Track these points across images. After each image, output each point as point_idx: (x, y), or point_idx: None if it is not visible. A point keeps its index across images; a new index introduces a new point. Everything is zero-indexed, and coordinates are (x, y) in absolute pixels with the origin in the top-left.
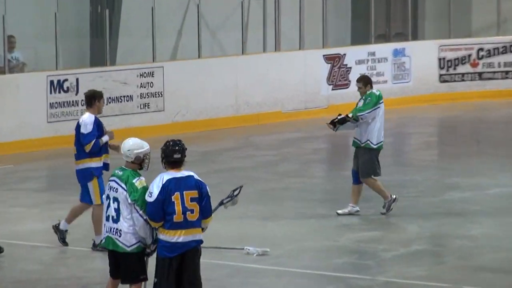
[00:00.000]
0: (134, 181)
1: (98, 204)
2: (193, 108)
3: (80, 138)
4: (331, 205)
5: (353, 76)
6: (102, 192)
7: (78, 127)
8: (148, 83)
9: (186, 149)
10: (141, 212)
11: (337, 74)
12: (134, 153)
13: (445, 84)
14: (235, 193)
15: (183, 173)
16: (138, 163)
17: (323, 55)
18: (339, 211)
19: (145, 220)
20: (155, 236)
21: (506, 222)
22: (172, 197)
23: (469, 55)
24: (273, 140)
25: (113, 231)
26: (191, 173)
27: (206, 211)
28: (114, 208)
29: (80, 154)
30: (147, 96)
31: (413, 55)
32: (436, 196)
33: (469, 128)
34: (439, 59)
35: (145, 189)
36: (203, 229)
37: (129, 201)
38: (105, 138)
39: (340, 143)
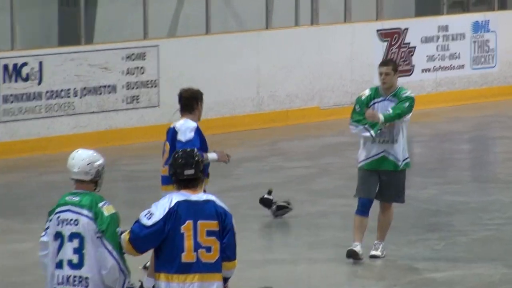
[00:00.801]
0: (100, 205)
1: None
2: None
3: (176, 148)
4: (388, 235)
5: (418, 59)
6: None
7: (171, 134)
8: (137, 68)
9: (202, 161)
10: (110, 248)
11: (396, 56)
12: (95, 167)
13: None
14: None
15: (199, 195)
16: (95, 182)
17: (377, 31)
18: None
19: (117, 260)
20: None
21: None
22: (182, 227)
23: None
24: (308, 147)
25: (74, 282)
26: (212, 197)
27: (229, 251)
28: (74, 249)
29: None
30: (135, 87)
31: (501, 30)
32: None
33: None
34: None
35: (114, 217)
36: (225, 280)
37: (97, 234)
38: (211, 156)
39: None
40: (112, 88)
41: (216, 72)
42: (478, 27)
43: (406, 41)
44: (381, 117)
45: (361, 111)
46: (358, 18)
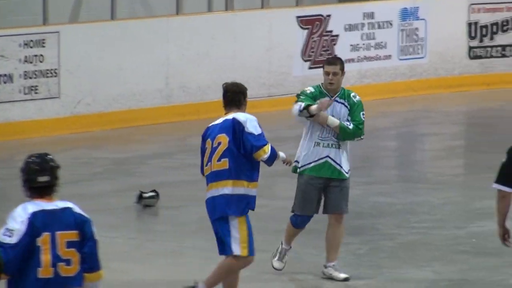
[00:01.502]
0: None
1: (244, 257)
2: (103, 95)
3: (244, 141)
4: (305, 238)
5: (341, 49)
6: (251, 237)
7: (232, 127)
8: (36, 56)
9: (58, 167)
10: None
11: (318, 45)
12: None
13: (477, 61)
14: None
15: (56, 204)
16: None
17: (297, 18)
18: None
19: None
20: None
21: None
22: (38, 239)
23: None
24: None
25: None
26: (69, 204)
27: (91, 262)
28: None
29: (233, 172)
30: (34, 76)
31: (431, 18)
32: (460, 227)
33: (510, 128)
34: (469, 24)
35: None
36: None
37: None
38: (282, 154)
39: None
40: (8, 78)
41: (122, 61)
42: (406, 14)
43: (329, 29)
44: (335, 121)
45: (306, 100)
46: (277, 4)
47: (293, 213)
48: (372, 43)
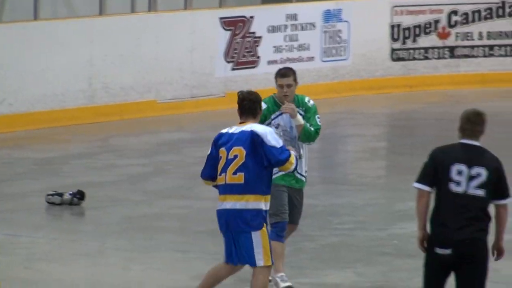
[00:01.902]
0: None
1: (267, 266)
2: (26, 95)
3: (268, 155)
4: None
5: (265, 50)
6: (270, 246)
7: (250, 138)
8: None
9: None
10: None
11: (241, 46)
12: None
13: (399, 63)
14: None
15: None
16: None
17: (220, 19)
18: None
19: None
20: None
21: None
22: None
23: (436, 21)
24: (144, 144)
25: None
26: None
27: None
28: None
29: (248, 186)
30: None
31: (354, 20)
32: (382, 228)
33: (434, 129)
34: (392, 26)
35: None
36: None
37: None
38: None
39: None
40: None
41: (45, 61)
42: (329, 16)
43: (252, 30)
44: (302, 120)
45: None
46: (200, 5)
47: (272, 226)
48: (295, 44)
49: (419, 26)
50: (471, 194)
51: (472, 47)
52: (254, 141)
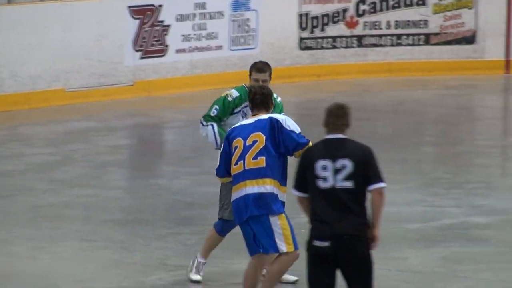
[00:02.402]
0: None
1: (291, 252)
2: None
3: (286, 139)
4: (134, 228)
5: (173, 39)
6: (293, 232)
7: (269, 125)
8: None
9: None
10: None
11: (149, 35)
12: None
13: (307, 52)
14: None
15: None
16: None
17: (129, 7)
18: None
19: None
20: None
21: (387, 257)
22: None
23: (344, 10)
24: (51, 133)
25: None
26: None
27: None
28: None
29: (270, 170)
30: None
31: (262, 9)
32: (292, 217)
33: None
34: (300, 15)
35: None
36: None
37: None
38: None
39: (150, 138)
40: None
41: None
42: (238, 5)
43: (160, 19)
44: None
45: (218, 115)
46: None
47: (220, 219)
48: (204, 33)
49: (327, 15)
50: (339, 188)
51: (380, 36)
52: (273, 127)
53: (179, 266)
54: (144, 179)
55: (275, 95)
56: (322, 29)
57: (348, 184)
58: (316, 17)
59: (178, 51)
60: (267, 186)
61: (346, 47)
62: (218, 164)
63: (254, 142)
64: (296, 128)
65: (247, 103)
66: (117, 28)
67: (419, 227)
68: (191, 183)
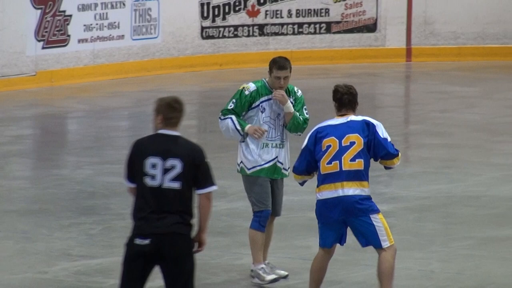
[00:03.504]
0: None
1: (392, 245)
2: None
3: (378, 146)
4: (37, 218)
5: (75, 29)
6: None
7: (363, 127)
8: None
9: None
10: None
11: (51, 25)
12: None
13: (209, 41)
14: None
15: None
16: None
17: None
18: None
19: None
20: None
21: (290, 245)
22: None
23: None
24: None
25: None
26: None
27: None
28: None
29: (366, 172)
30: None
31: None
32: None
33: None
34: (202, 5)
35: None
36: None
37: None
38: None
39: (52, 128)
40: None
41: None
42: None
43: (62, 9)
44: (292, 107)
45: (235, 109)
46: None
47: (255, 215)
48: (105, 23)
49: (228, 4)
50: (166, 187)
51: (282, 25)
52: (369, 130)
53: (82, 256)
54: (47, 169)
55: (296, 88)
56: (224, 18)
57: (176, 185)
58: (218, 6)
59: (80, 41)
60: (365, 189)
61: (248, 36)
62: (297, 160)
63: (352, 143)
64: (388, 136)
65: (266, 97)
66: (18, 18)
67: None
68: (93, 173)
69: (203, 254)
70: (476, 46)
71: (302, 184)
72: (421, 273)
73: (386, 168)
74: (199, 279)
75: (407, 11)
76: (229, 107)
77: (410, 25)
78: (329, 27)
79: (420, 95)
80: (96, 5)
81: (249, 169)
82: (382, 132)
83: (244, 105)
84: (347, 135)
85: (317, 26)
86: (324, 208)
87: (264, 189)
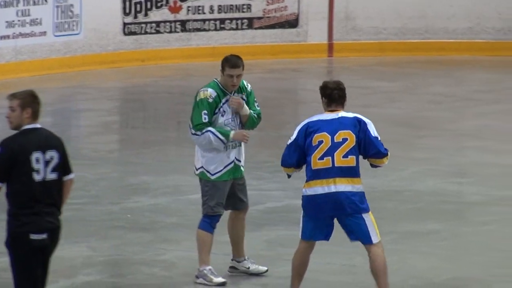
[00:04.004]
0: None
1: (380, 240)
2: None
3: (369, 144)
4: None
5: None
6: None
7: (354, 124)
8: None
9: None
10: None
11: None
12: None
13: (131, 37)
14: None
15: None
16: None
17: None
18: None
19: None
20: None
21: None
22: None
23: None
24: None
25: None
26: None
27: None
28: None
29: (357, 169)
30: None
31: None
32: (116, 202)
33: (165, 104)
34: (124, 1)
35: None
36: None
37: None
38: None
39: None
40: None
41: None
42: None
43: None
44: (247, 109)
45: (209, 119)
46: None
47: (207, 217)
48: (28, 19)
49: (150, 0)
50: (48, 180)
51: (204, 20)
52: (360, 127)
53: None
54: None
55: (245, 83)
56: (146, 14)
57: (54, 176)
58: (140, 2)
59: (2, 37)
60: (357, 185)
61: (170, 31)
62: (286, 153)
63: (344, 140)
64: (378, 135)
65: (224, 99)
66: None
67: None
68: None
69: (126, 250)
70: (398, 41)
71: (289, 176)
72: (343, 268)
73: (372, 166)
74: (122, 274)
75: (329, 7)
76: (203, 121)
77: (332, 21)
78: (251, 23)
79: None
80: (18, 1)
81: (212, 174)
82: (373, 130)
83: (212, 114)
84: (339, 131)
85: (239, 22)
86: (314, 204)
87: (224, 195)
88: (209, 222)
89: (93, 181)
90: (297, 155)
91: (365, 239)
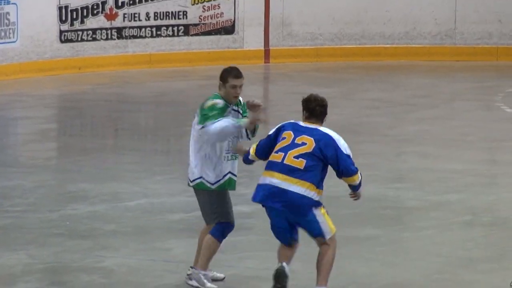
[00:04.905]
0: None
1: (333, 236)
2: None
3: (340, 162)
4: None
5: None
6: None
7: (326, 142)
8: None
9: None
10: None
11: None
12: None
13: (68, 45)
14: None
15: None
16: None
17: None
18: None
19: None
20: None
21: (151, 247)
22: None
23: (104, 2)
24: None
25: None
26: None
27: None
28: None
29: (308, 174)
30: None
31: (21, 2)
32: (54, 210)
33: (103, 111)
34: (60, 8)
35: None
36: None
37: None
38: None
39: None
40: None
41: None
42: None
43: None
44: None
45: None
46: None
47: (220, 224)
48: None
49: (86, 8)
50: None
51: (140, 27)
52: (328, 144)
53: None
54: None
55: (240, 98)
56: (82, 22)
57: None
58: (76, 10)
59: None
60: (303, 188)
61: (107, 39)
62: (261, 144)
63: (303, 144)
64: (350, 153)
65: (226, 113)
66: None
67: (183, 217)
68: None
69: (65, 257)
70: (334, 47)
71: (251, 163)
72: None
73: (349, 186)
74: (61, 282)
75: (265, 13)
76: (219, 108)
77: (268, 27)
78: (187, 30)
79: (280, 96)
80: None
81: (213, 184)
82: (344, 148)
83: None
84: (303, 135)
85: (175, 28)
86: (264, 192)
87: (229, 201)
88: (221, 229)
89: (31, 189)
90: (267, 148)
91: (319, 236)
